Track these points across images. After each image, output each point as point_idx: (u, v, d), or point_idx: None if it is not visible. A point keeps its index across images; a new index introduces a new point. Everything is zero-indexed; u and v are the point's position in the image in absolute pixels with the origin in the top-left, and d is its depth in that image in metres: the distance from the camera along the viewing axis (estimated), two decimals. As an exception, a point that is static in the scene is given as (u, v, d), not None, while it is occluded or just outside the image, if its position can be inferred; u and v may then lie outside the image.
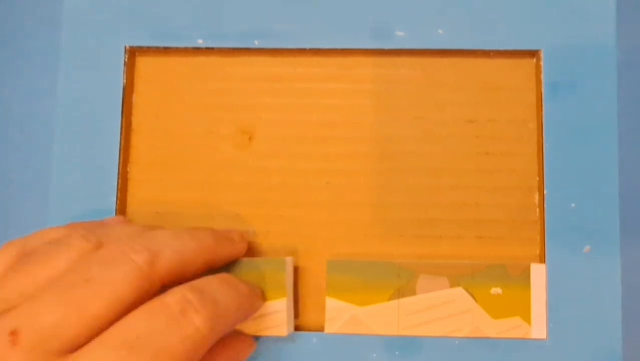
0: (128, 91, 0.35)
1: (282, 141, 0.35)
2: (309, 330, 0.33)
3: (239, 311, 0.28)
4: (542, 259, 0.33)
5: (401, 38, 0.34)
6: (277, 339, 0.32)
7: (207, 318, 0.25)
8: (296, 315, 0.34)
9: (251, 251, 0.34)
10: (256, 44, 0.35)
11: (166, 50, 0.35)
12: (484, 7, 0.34)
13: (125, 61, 0.35)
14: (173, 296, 0.25)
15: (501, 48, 0.34)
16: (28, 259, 0.26)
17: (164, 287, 0.27)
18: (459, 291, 0.32)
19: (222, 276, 0.29)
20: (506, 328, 0.32)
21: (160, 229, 0.29)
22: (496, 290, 0.32)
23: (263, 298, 0.31)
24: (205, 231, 0.30)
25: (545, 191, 0.33)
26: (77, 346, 0.23)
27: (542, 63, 0.34)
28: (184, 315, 0.25)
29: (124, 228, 0.29)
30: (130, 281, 0.25)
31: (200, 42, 0.35)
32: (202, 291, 0.26)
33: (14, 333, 0.23)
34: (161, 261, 0.26)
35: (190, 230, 0.29)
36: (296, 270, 0.34)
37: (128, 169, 0.35)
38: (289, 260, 0.32)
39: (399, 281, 0.33)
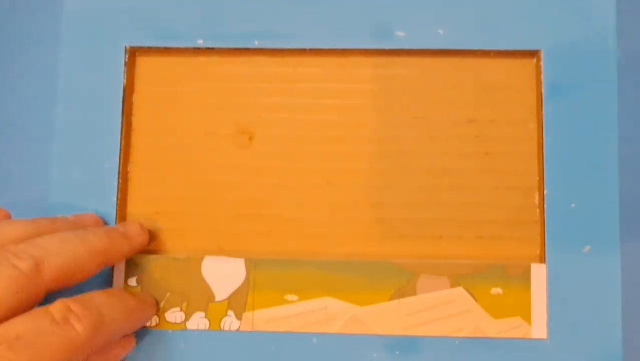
0: (128, 91, 0.35)
1: (282, 141, 0.35)
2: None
3: (127, 321, 0.29)
4: (542, 259, 0.33)
5: (401, 38, 0.34)
6: (277, 339, 0.32)
7: (88, 325, 0.26)
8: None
9: (252, 250, 0.34)
10: (256, 44, 0.35)
11: (166, 50, 0.35)
12: (483, 7, 0.34)
13: (125, 61, 0.35)
14: (56, 306, 0.26)
15: (501, 48, 0.34)
16: None
17: (51, 292, 0.27)
18: (459, 291, 0.32)
19: (110, 290, 0.30)
20: (506, 328, 0.32)
21: (49, 235, 0.29)
22: (496, 290, 0.32)
23: (156, 307, 0.33)
24: (97, 233, 0.30)
25: (545, 191, 0.33)
26: None
27: (542, 63, 0.34)
28: (65, 322, 0.25)
29: (10, 229, 0.29)
30: (13, 287, 0.25)
31: (200, 42, 0.35)
32: (85, 302, 0.27)
33: None
34: (46, 269, 0.27)
35: (81, 233, 0.29)
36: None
37: (128, 169, 0.35)
38: None
39: (399, 281, 0.33)
